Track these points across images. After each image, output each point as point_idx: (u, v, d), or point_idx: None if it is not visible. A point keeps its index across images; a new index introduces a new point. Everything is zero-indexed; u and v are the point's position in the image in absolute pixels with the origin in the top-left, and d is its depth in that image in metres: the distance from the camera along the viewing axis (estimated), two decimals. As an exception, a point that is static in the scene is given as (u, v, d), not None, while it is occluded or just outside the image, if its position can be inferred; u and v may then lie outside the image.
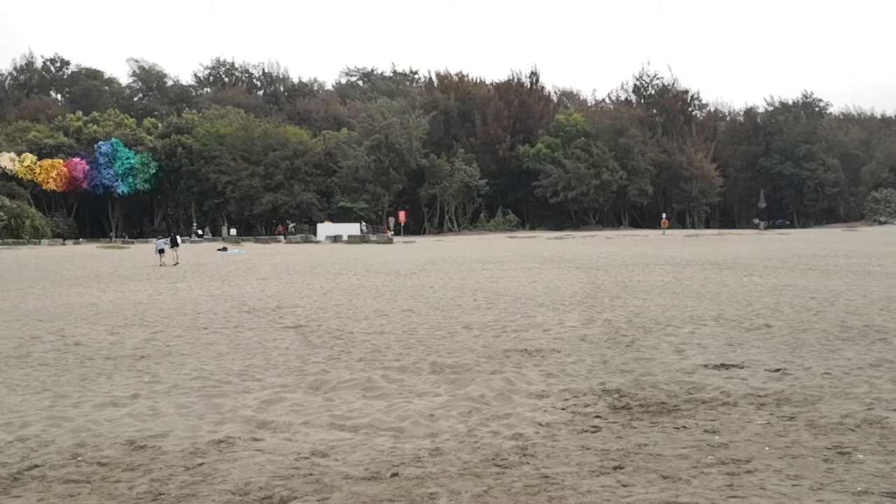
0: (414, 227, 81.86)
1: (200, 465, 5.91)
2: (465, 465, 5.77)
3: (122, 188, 77.97)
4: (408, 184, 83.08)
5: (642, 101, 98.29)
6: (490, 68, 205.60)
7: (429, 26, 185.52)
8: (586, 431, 6.66)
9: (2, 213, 66.99)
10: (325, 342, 12.10)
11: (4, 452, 6.32)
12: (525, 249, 44.70)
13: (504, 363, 9.86)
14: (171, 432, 6.86)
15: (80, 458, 6.11)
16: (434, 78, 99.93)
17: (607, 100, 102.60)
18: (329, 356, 10.80)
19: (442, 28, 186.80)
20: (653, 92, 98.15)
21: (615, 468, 5.62)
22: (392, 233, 73.70)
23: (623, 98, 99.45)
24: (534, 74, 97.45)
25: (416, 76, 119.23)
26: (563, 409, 7.49)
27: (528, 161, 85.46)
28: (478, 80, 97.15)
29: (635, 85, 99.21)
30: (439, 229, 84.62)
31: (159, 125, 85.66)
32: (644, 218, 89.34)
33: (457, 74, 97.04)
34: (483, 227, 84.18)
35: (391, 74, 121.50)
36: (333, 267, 31.98)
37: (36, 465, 5.94)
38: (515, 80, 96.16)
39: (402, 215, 79.25)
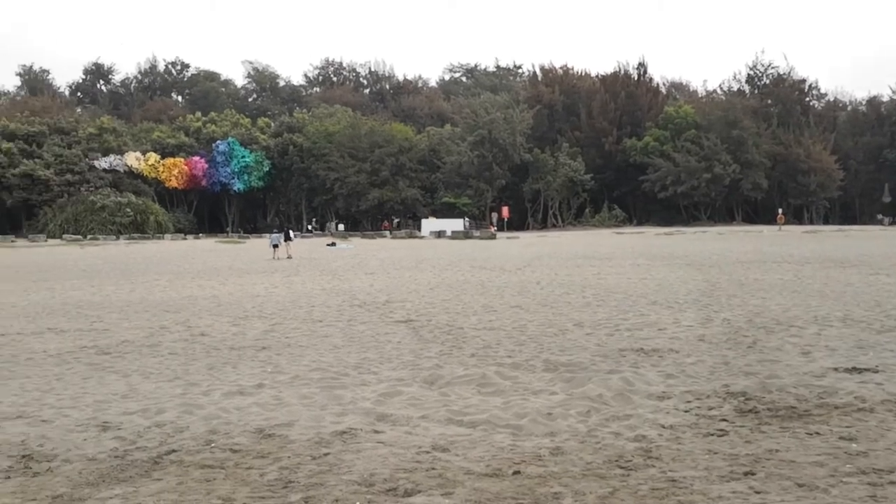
0: (517, 223, 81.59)
1: (326, 454, 6.06)
2: (587, 466, 5.70)
3: (237, 185, 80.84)
4: (511, 179, 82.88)
5: (756, 91, 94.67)
6: (595, 61, 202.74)
7: (533, 20, 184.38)
8: (712, 435, 6.46)
9: (129, 210, 70.64)
10: (436, 337, 12.21)
11: (144, 437, 6.65)
12: (633, 245, 43.85)
13: (620, 362, 9.69)
14: (297, 422, 7.07)
15: (213, 445, 6.37)
16: (538, 72, 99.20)
17: (718, 91, 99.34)
18: (441, 351, 10.89)
19: (546, 21, 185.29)
20: (767, 82, 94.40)
21: (746, 474, 5.43)
22: (495, 228, 73.66)
23: (735, 89, 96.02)
24: (641, 66, 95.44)
25: (520, 70, 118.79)
26: (685, 411, 7.29)
27: (636, 155, 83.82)
28: (582, 73, 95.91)
29: (748, 75, 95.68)
30: (543, 225, 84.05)
31: (272, 124, 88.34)
32: (758, 213, 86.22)
33: (561, 67, 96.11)
34: (588, 222, 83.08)
35: (494, 70, 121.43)
36: (439, 262, 32.24)
37: (173, 450, 6.23)
38: (622, 71, 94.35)
39: (505, 211, 79.10)
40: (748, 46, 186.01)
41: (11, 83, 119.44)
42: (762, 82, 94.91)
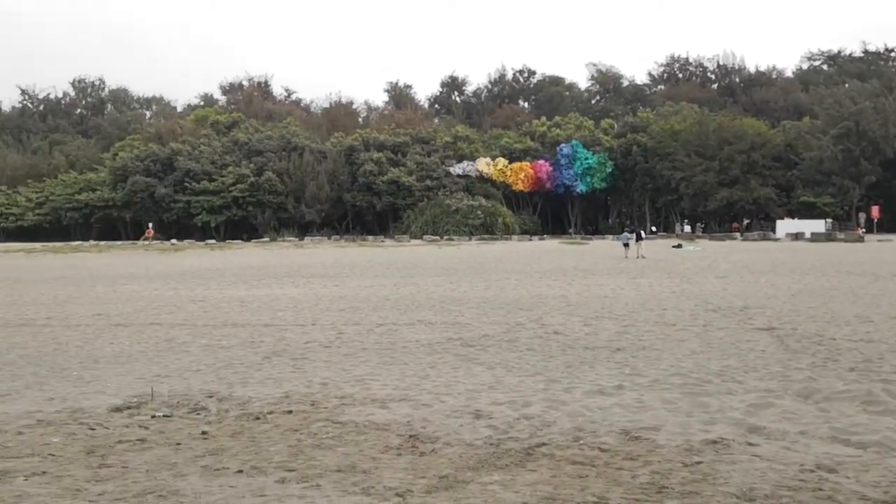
0: (888, 224, 72.88)
1: (698, 463, 5.85)
2: None
3: (580, 187, 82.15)
4: (882, 175, 74.21)
5: None
6: None
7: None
8: None
9: (479, 212, 75.22)
10: (804, 347, 11.29)
11: (514, 428, 6.95)
12: None
13: None
14: (663, 426, 6.92)
15: (581, 442, 6.46)
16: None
17: None
18: (813, 363, 10.03)
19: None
20: None
21: None
22: (863, 230, 66.57)
23: None
24: None
25: (893, 54, 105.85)
26: None
27: None
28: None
29: None
30: (922, 226, 74.17)
31: (615, 125, 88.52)
32: None
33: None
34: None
35: (861, 55, 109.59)
36: (798, 266, 29.97)
37: (543, 444, 6.42)
38: None
39: (874, 210, 71.19)
40: None
41: (381, 99, 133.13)
42: None
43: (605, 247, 51.79)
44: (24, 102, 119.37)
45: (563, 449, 6.25)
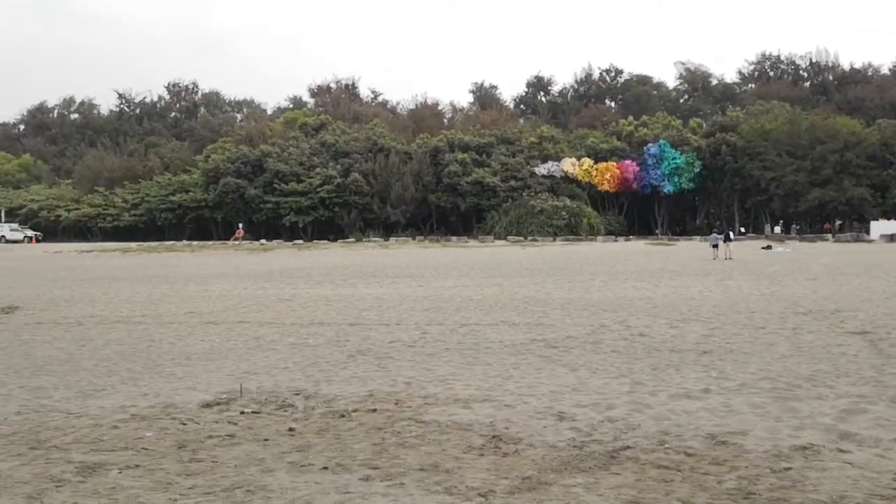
0: None
1: (787, 469, 5.70)
2: None
3: (667, 188, 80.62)
4: None
5: None
6: None
7: None
8: None
9: (564, 213, 74.63)
10: (901, 353, 10.85)
11: (598, 430, 6.91)
12: None
13: None
14: (750, 431, 6.78)
15: (666, 446, 6.38)
16: None
17: None
18: (912, 368, 9.63)
19: None
20: None
21: None
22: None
23: None
24: None
25: None
26: None
27: None
28: None
29: None
30: None
31: (703, 124, 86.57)
32: None
33: None
34: None
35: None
36: (893, 269, 28.87)
37: (628, 447, 6.37)
38: None
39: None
40: None
41: (466, 99, 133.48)
42: None
43: (693, 248, 50.68)
44: (122, 106, 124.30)
45: (648, 453, 6.19)
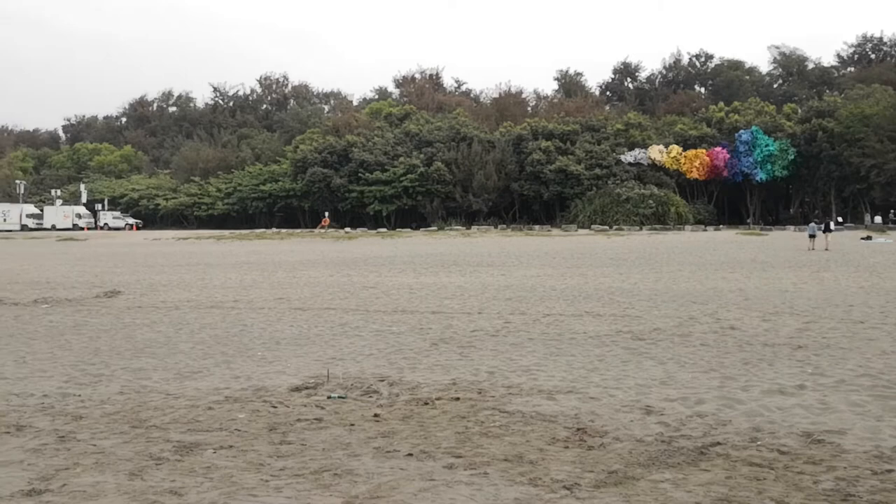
0: None
1: (889, 471, 5.46)
2: None
3: (760, 175, 78.06)
4: None
5: None
6: None
7: None
8: None
9: (651, 201, 73.18)
10: None
11: (687, 426, 6.75)
12: None
13: None
14: (849, 430, 6.51)
15: (758, 443, 6.19)
16: None
17: None
18: None
19: None
20: None
21: None
22: None
23: None
24: None
25: None
26: None
27: None
28: None
29: None
30: None
31: (798, 110, 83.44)
32: None
33: None
34: None
35: None
36: None
37: (718, 443, 6.20)
38: None
39: None
40: None
41: (550, 87, 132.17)
42: None
43: (786, 238, 49.07)
44: (216, 99, 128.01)
45: (740, 449, 6.02)
